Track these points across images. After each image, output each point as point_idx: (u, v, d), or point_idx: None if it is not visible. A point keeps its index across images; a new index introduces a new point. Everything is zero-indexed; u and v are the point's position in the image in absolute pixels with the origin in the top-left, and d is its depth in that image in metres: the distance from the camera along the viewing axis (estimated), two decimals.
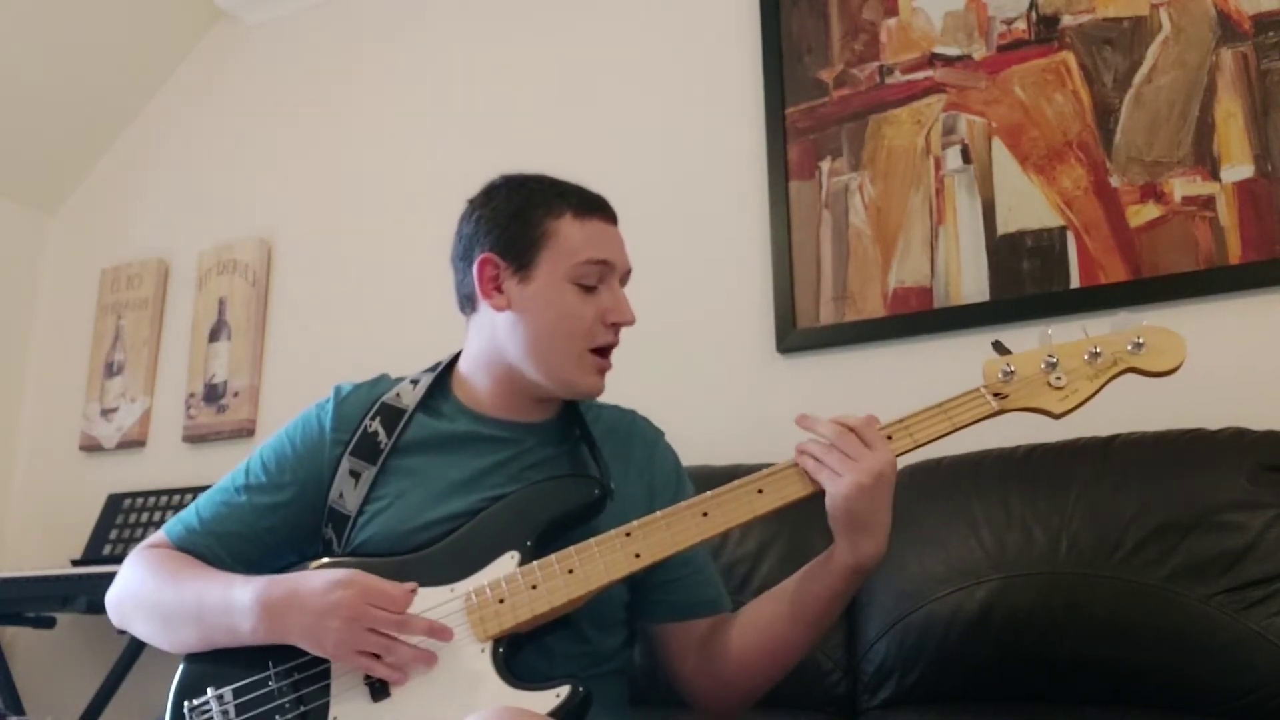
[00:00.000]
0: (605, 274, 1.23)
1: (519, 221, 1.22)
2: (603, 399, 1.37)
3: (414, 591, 1.10)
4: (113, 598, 1.25)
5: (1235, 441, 1.48)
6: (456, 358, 1.34)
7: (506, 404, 1.27)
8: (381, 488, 1.23)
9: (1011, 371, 1.18)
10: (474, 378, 1.29)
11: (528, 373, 1.23)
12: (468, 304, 1.29)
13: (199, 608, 1.14)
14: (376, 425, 1.26)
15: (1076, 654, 1.39)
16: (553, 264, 1.21)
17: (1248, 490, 1.40)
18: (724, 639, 1.24)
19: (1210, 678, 1.34)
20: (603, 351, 1.24)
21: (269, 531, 1.24)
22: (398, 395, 1.29)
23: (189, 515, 1.27)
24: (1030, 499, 1.50)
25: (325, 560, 1.18)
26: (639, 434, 1.35)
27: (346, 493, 1.23)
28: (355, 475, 1.23)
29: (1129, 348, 1.17)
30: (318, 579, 1.09)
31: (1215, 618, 1.34)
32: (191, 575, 1.18)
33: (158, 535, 1.27)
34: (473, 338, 1.29)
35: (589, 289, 1.22)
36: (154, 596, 1.19)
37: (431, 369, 1.33)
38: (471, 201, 1.29)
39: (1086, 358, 1.17)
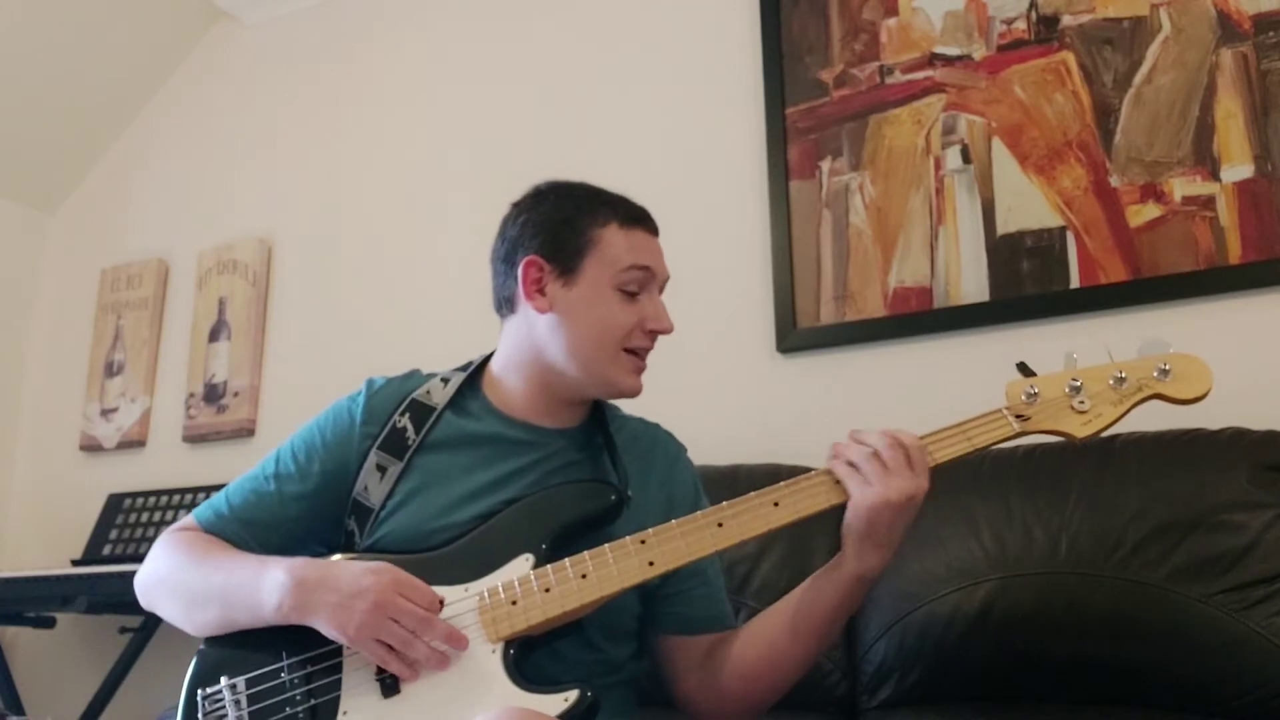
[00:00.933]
0: (647, 281, 1.26)
1: (567, 227, 1.24)
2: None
3: (442, 602, 1.10)
4: (141, 578, 1.27)
5: (1235, 441, 1.48)
6: (488, 359, 1.35)
7: (537, 407, 1.28)
8: (406, 483, 1.24)
9: (1035, 394, 1.17)
10: (506, 379, 1.30)
11: (567, 372, 1.25)
12: (506, 305, 1.30)
13: (226, 586, 1.16)
14: (405, 421, 1.27)
15: (1076, 654, 1.39)
16: (598, 269, 1.23)
17: (1248, 490, 1.40)
18: (726, 652, 1.24)
19: (1210, 678, 1.34)
20: (639, 353, 1.26)
21: (294, 521, 1.26)
22: (428, 392, 1.30)
23: (219, 501, 1.29)
24: (1030, 499, 1.50)
25: (339, 557, 1.19)
26: (662, 447, 1.36)
27: (371, 486, 1.24)
28: (381, 469, 1.25)
29: (1155, 374, 1.16)
30: (352, 565, 1.11)
31: (1215, 618, 1.34)
32: (220, 556, 1.20)
33: (187, 519, 1.30)
34: (508, 338, 1.31)
35: (631, 295, 1.24)
36: (180, 575, 1.21)
37: (463, 368, 1.34)
38: (517, 205, 1.31)
39: (1112, 382, 1.17)
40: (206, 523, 1.27)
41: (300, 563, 1.13)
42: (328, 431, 1.29)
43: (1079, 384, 1.17)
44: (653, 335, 1.26)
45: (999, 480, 1.55)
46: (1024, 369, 1.21)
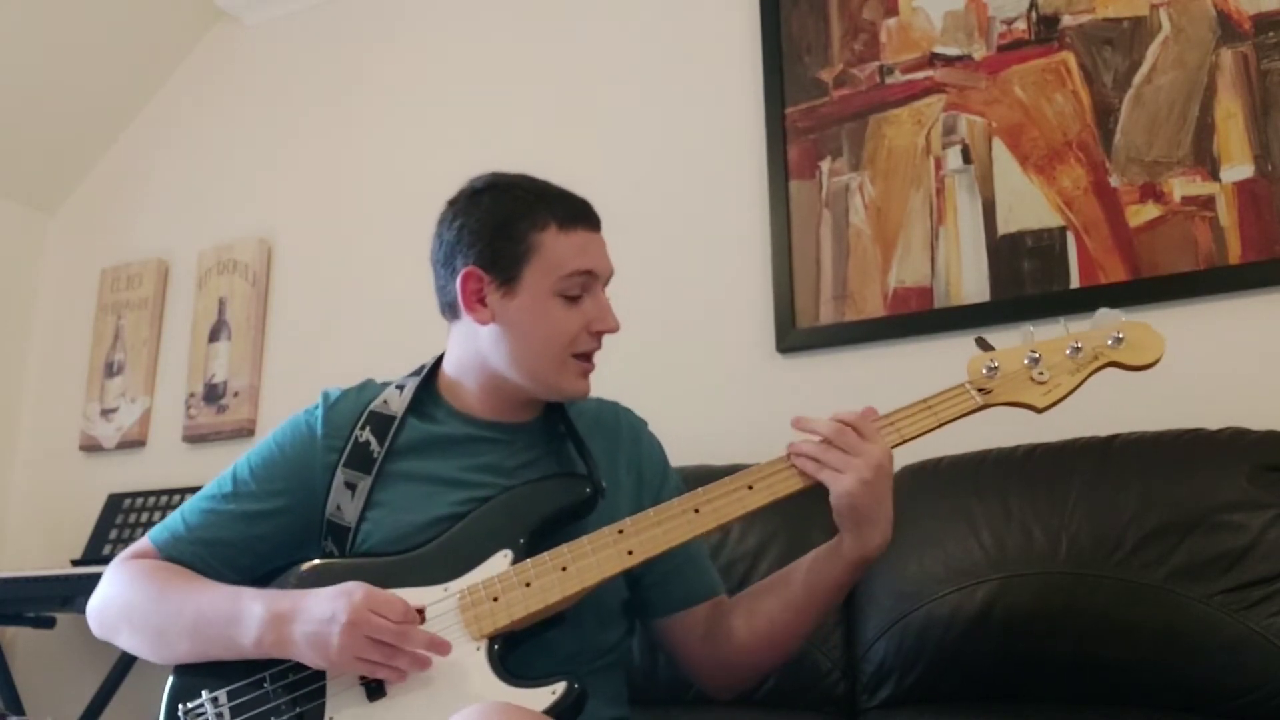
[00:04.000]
0: (589, 283, 1.22)
1: (503, 234, 1.21)
2: (603, 395, 1.37)
3: (422, 612, 1.10)
4: (96, 608, 1.23)
5: (1235, 441, 1.48)
6: (439, 360, 1.33)
7: (493, 406, 1.27)
8: (378, 495, 1.23)
9: (995, 367, 1.20)
10: (461, 381, 1.29)
11: (513, 379, 1.23)
12: (449, 310, 1.28)
13: (196, 620, 1.13)
14: (367, 434, 1.25)
15: (1076, 654, 1.39)
16: (538, 277, 1.20)
17: (1248, 490, 1.40)
18: (727, 625, 1.26)
19: (1210, 678, 1.34)
20: (586, 355, 1.23)
21: (260, 539, 1.23)
22: (385, 402, 1.28)
23: (175, 522, 1.25)
24: (1030, 499, 1.50)
25: (316, 562, 1.18)
26: (625, 424, 1.36)
27: (344, 505, 1.22)
28: (351, 487, 1.23)
29: (1109, 342, 1.19)
30: (322, 591, 1.09)
31: (1215, 618, 1.34)
32: (187, 588, 1.17)
33: (142, 543, 1.25)
34: (455, 343, 1.29)
35: (574, 299, 1.21)
36: (144, 608, 1.17)
37: (415, 373, 1.33)
38: (452, 204, 1.27)
39: (1068, 352, 1.19)
40: (163, 546, 1.23)
41: (273, 595, 1.11)
42: (287, 446, 1.26)
43: (1037, 355, 1.19)
44: (599, 336, 1.24)
45: (999, 480, 1.55)
46: (982, 344, 1.23)
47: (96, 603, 1.23)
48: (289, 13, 2.96)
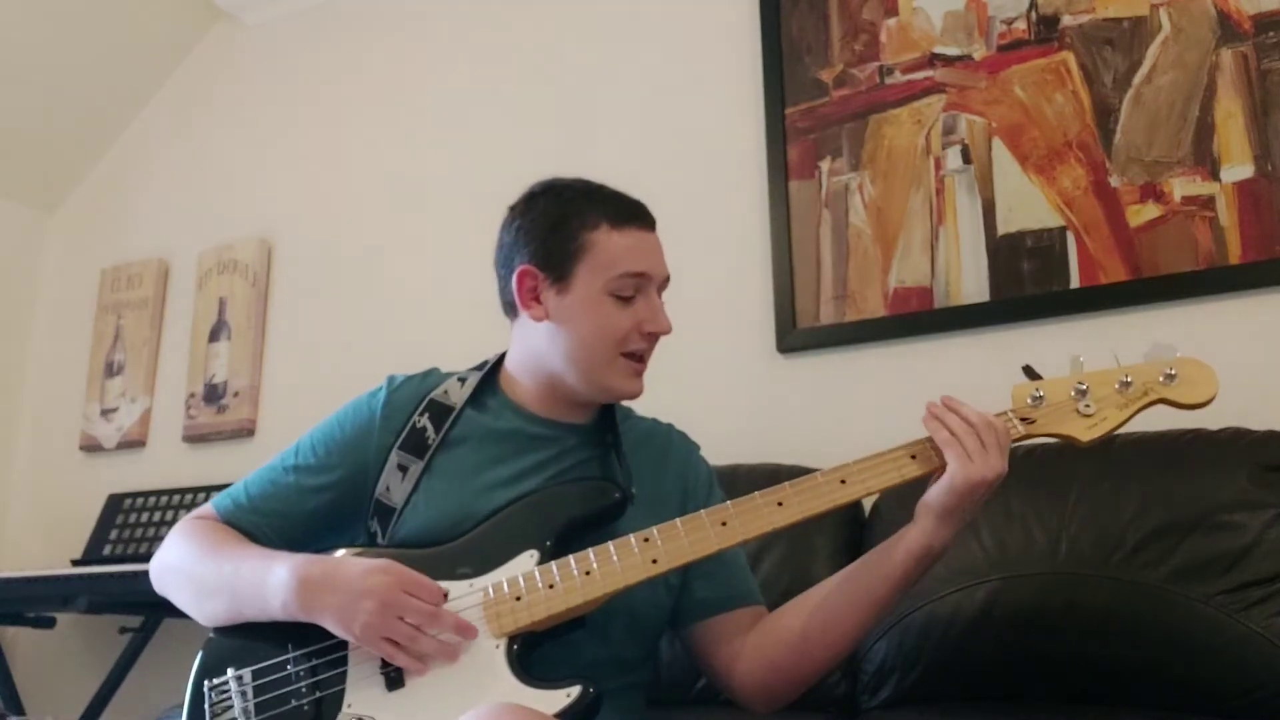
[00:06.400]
0: (642, 285, 1.24)
1: (556, 233, 1.23)
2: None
3: (446, 595, 1.11)
4: (155, 565, 1.28)
5: (1235, 441, 1.48)
6: (503, 356, 1.36)
7: (549, 405, 1.29)
8: (428, 481, 1.25)
9: (1040, 397, 1.17)
10: (520, 378, 1.31)
11: (567, 379, 1.25)
12: (509, 310, 1.31)
13: (234, 579, 1.17)
14: (425, 421, 1.28)
15: (1076, 654, 1.39)
16: (590, 276, 1.22)
17: (1248, 490, 1.40)
18: (773, 625, 1.23)
19: (1210, 678, 1.34)
20: (636, 355, 1.25)
21: (312, 513, 1.27)
22: (445, 392, 1.31)
23: (238, 491, 1.30)
24: (1030, 499, 1.50)
25: (355, 549, 1.20)
26: (676, 444, 1.37)
27: (393, 486, 1.25)
28: (403, 469, 1.26)
29: (1161, 379, 1.16)
30: (356, 563, 1.11)
31: (1215, 618, 1.34)
32: (231, 548, 1.21)
33: (205, 508, 1.31)
34: (516, 341, 1.32)
35: (626, 299, 1.23)
36: (191, 565, 1.22)
37: (478, 367, 1.35)
38: (512, 209, 1.31)
39: (1117, 387, 1.16)
40: (224, 512, 1.29)
41: (304, 560, 1.14)
42: (348, 425, 1.30)
43: (1085, 387, 1.17)
44: (651, 337, 1.25)
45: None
46: (1030, 372, 1.20)
47: (156, 560, 1.28)
48: (289, 13, 2.96)
